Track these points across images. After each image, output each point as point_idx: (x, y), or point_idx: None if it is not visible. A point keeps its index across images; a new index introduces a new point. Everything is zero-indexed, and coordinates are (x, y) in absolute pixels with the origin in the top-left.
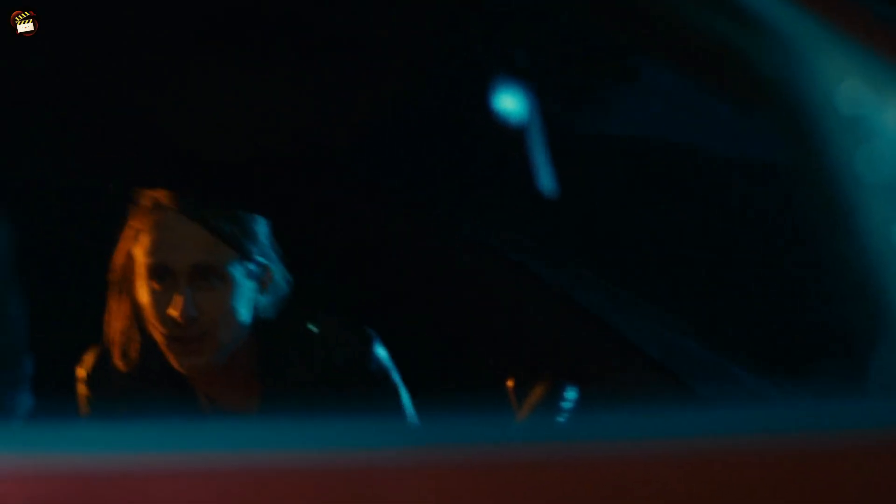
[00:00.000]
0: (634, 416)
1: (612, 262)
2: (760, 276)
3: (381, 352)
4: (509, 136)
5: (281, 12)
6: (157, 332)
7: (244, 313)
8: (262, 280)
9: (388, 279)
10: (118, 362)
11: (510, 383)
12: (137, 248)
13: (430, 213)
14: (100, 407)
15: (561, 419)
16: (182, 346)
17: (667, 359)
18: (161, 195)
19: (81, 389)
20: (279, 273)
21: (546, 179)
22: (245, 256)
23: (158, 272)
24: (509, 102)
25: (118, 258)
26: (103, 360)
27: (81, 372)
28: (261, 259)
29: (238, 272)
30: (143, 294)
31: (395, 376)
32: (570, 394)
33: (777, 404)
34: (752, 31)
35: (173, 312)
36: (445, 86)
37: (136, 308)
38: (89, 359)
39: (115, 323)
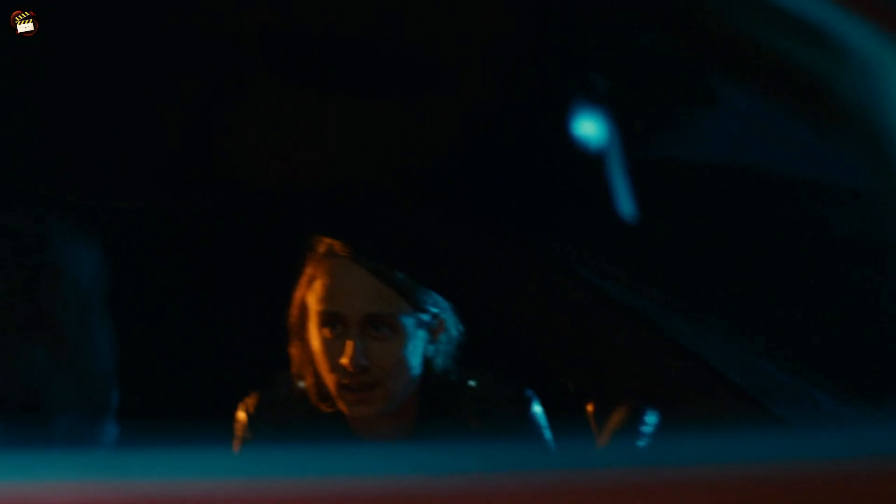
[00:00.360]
0: (715, 440)
1: (692, 287)
2: (842, 301)
3: (537, 412)
4: (589, 161)
5: (364, 42)
6: (329, 379)
7: (415, 364)
8: (434, 330)
9: (471, 302)
10: (318, 404)
11: (590, 407)
12: (311, 295)
13: (511, 237)
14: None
15: (641, 444)
16: (352, 395)
17: (748, 383)
18: (335, 242)
19: (240, 431)
20: (451, 323)
21: (626, 204)
22: (417, 307)
23: (330, 320)
24: (588, 127)
25: (294, 304)
26: (266, 404)
27: (242, 415)
28: (433, 309)
29: (410, 323)
30: (316, 340)
31: (548, 435)
32: (651, 418)
33: (859, 429)
34: (833, 56)
35: (344, 361)
36: (524, 111)
37: (309, 354)
38: (251, 402)
39: (299, 368)
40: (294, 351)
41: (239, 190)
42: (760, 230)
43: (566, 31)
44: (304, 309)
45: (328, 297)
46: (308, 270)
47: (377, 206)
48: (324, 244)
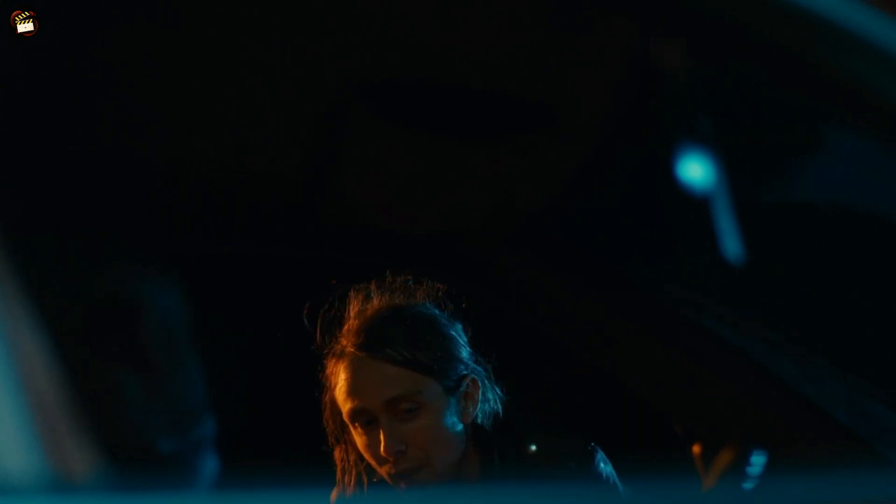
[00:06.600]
0: (823, 482)
1: (799, 327)
2: None
3: (604, 466)
4: (695, 203)
5: (474, 86)
6: (381, 472)
7: (455, 431)
8: (468, 392)
9: (577, 343)
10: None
11: (697, 449)
12: (337, 395)
13: (618, 279)
14: None
15: (748, 486)
16: (403, 480)
17: (855, 424)
18: (343, 339)
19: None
20: (484, 380)
21: (733, 246)
22: (438, 376)
23: (359, 415)
24: (695, 171)
25: (326, 407)
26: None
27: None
28: (460, 370)
29: (435, 393)
30: (356, 439)
31: (620, 489)
32: (758, 460)
33: None
34: None
35: (382, 452)
36: (631, 154)
37: (357, 452)
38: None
39: (349, 468)
40: (337, 454)
41: (344, 236)
42: (868, 272)
43: (676, 75)
44: (336, 411)
45: (349, 395)
46: (328, 372)
47: (487, 251)
48: (337, 344)
